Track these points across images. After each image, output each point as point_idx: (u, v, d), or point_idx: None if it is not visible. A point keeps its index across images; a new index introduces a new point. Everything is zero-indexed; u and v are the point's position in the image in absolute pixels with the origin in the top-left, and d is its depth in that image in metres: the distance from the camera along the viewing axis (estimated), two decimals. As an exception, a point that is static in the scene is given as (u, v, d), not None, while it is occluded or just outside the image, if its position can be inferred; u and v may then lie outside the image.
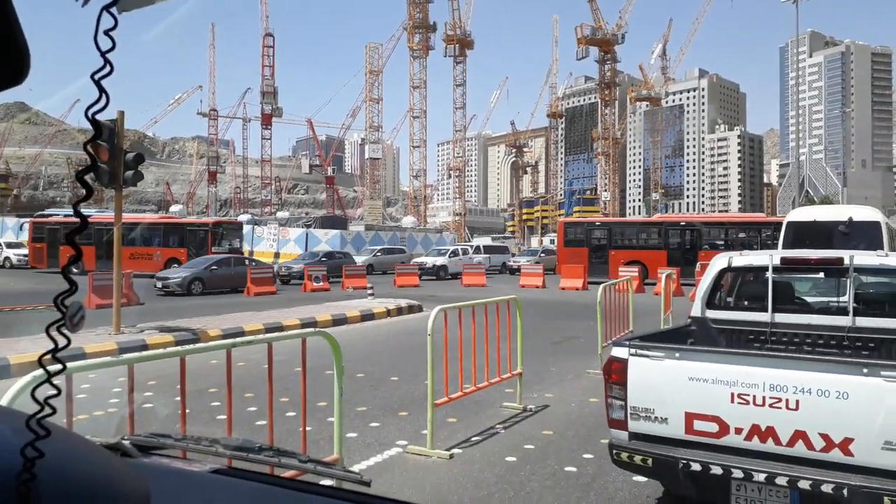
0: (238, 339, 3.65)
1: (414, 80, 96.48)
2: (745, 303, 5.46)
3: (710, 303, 5.31)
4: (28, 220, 44.30)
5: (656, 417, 3.66)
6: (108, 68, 0.66)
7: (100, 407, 5.84)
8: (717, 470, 3.39)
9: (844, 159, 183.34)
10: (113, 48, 0.67)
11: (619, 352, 3.83)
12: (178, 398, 3.52)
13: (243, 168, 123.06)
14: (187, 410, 3.63)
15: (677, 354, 3.70)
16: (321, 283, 23.80)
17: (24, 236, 43.96)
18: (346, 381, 4.27)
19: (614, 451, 3.80)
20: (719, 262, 5.30)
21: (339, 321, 13.58)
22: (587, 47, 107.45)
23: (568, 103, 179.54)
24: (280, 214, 72.48)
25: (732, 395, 3.45)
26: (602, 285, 9.67)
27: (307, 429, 4.38)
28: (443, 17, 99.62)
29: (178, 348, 3.73)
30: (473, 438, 5.76)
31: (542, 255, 39.06)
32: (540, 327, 12.87)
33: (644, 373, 3.71)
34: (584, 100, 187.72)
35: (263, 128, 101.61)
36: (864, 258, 4.88)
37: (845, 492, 3.08)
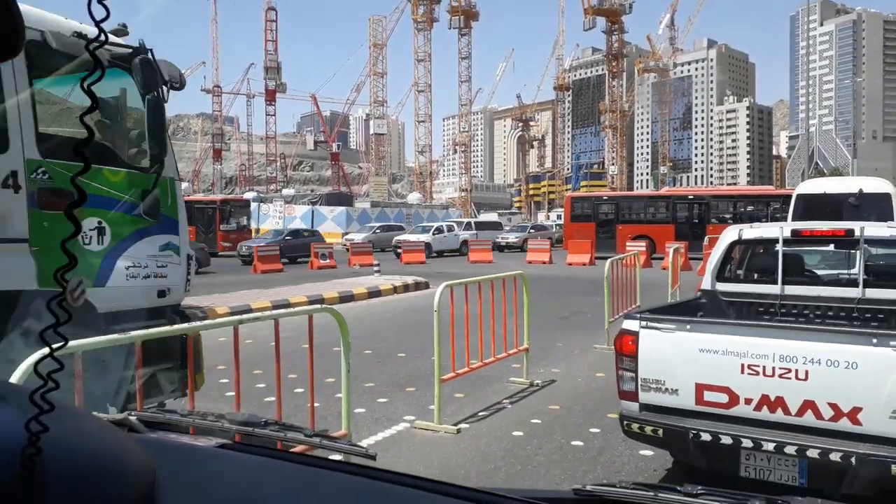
0: (245, 316, 3.67)
1: (418, 52, 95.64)
2: (755, 275, 5.47)
3: (720, 275, 5.33)
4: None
5: (667, 389, 3.69)
6: (102, 37, 0.67)
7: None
8: (726, 440, 3.44)
9: (855, 130, 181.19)
10: (108, 17, 0.67)
11: (631, 324, 3.86)
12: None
13: (248, 145, 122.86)
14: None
15: (688, 326, 3.73)
16: (328, 261, 23.86)
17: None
18: (354, 357, 4.29)
19: (625, 423, 3.85)
20: (729, 234, 5.32)
21: (346, 298, 13.63)
22: (594, 17, 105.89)
23: (575, 75, 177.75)
24: (285, 192, 72.51)
25: (742, 365, 3.48)
26: (609, 260, 9.65)
27: (315, 405, 4.41)
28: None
29: (186, 325, 3.75)
30: (480, 413, 5.80)
31: (532, 230, 38.03)
32: (547, 303, 12.88)
33: (655, 345, 3.75)
34: (592, 72, 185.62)
35: (267, 104, 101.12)
36: (874, 230, 4.88)
37: (853, 460, 3.13)
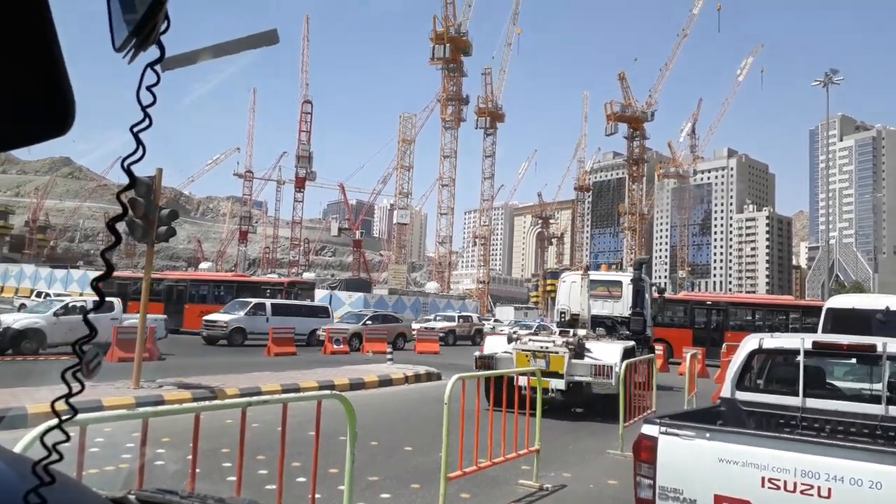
0: (253, 399, 3.64)
1: (445, 149, 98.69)
2: (776, 385, 5.37)
3: (740, 384, 5.25)
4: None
5: (685, 499, 3.58)
6: (147, 121, 0.70)
7: (111, 461, 5.80)
8: None
9: (875, 244, 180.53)
10: (154, 103, 0.70)
11: (650, 429, 3.79)
12: (190, 456, 3.49)
13: (274, 228, 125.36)
14: (198, 469, 3.59)
15: (708, 435, 3.64)
16: (341, 346, 23.75)
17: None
18: (360, 448, 4.20)
19: None
20: (750, 342, 5.30)
21: (357, 385, 13.47)
22: (616, 123, 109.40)
23: (596, 177, 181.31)
24: (306, 275, 73.17)
25: (763, 479, 3.37)
26: (625, 362, 9.50)
27: (317, 495, 4.28)
28: (476, 91, 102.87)
29: (194, 404, 3.73)
30: (487, 516, 5.58)
31: (461, 320, 35.91)
32: (559, 402, 12.61)
33: (674, 452, 3.65)
34: (612, 174, 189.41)
35: (297, 190, 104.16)
36: None
37: None
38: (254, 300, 27.09)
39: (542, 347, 11.51)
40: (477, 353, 12.36)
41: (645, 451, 3.75)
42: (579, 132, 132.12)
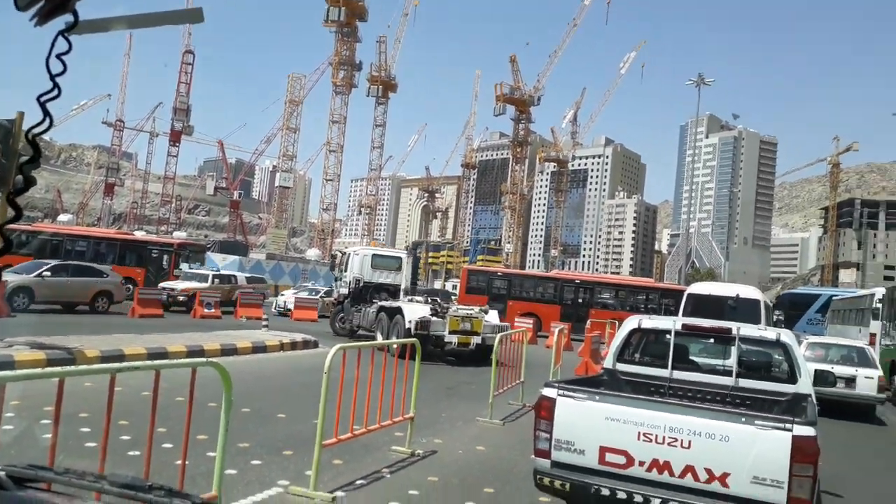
0: (124, 365, 3.48)
1: (334, 114, 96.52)
2: (649, 359, 6.27)
3: (620, 357, 6.13)
4: None
5: (575, 449, 4.23)
6: (56, 91, 0.66)
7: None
8: (622, 495, 3.98)
9: (729, 235, 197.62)
10: (64, 72, 0.66)
11: (549, 392, 4.42)
12: (46, 422, 3.29)
13: (144, 183, 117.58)
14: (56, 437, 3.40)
15: (597, 397, 4.32)
16: (212, 310, 22.90)
17: None
18: (231, 415, 4.13)
19: (538, 477, 4.34)
20: (631, 322, 6.19)
21: (229, 351, 13.07)
22: (504, 105, 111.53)
23: (482, 156, 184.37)
24: (177, 234, 69.36)
25: (639, 433, 4.06)
26: (499, 335, 9.94)
27: (186, 462, 4.18)
28: (369, 58, 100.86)
29: (58, 369, 3.50)
30: (358, 482, 5.68)
31: (217, 281, 26.32)
32: (434, 371, 12.93)
33: (568, 411, 4.29)
34: (498, 154, 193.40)
35: (171, 144, 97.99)
36: (747, 330, 5.84)
37: None
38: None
39: (468, 314, 15.64)
40: (414, 319, 15.06)
41: (544, 410, 4.36)
42: (469, 110, 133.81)
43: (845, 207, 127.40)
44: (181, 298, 24.21)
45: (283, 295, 30.74)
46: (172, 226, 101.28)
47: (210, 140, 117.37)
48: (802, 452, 3.72)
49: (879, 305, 19.37)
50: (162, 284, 25.03)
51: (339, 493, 5.19)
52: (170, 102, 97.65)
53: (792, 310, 33.54)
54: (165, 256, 29.60)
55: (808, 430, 3.78)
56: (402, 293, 18.65)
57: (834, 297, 29.86)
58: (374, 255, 19.42)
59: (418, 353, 6.98)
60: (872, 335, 19.35)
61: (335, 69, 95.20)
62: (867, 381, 12.34)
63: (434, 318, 15.38)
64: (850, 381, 12.34)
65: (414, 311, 15.82)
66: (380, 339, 16.20)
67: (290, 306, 26.96)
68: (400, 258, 19.99)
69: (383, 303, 17.37)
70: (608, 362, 6.20)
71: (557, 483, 4.23)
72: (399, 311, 16.14)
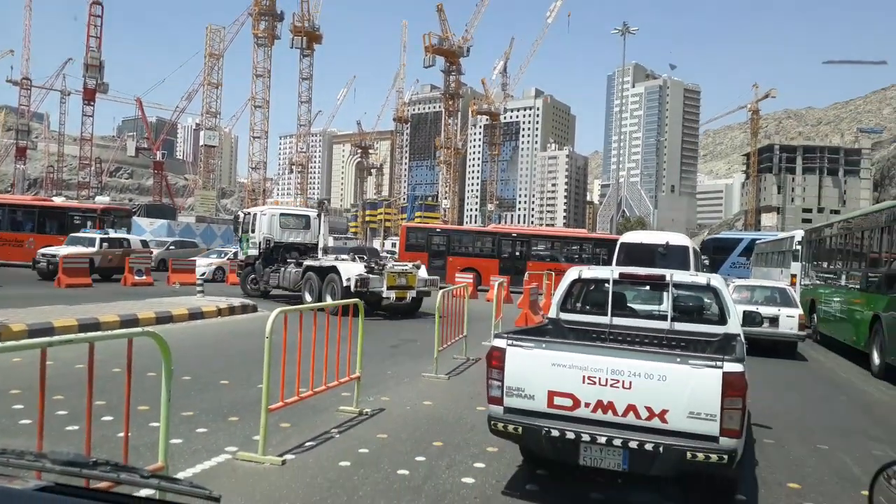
0: (55, 339, 3.31)
1: (257, 68, 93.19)
2: (590, 308, 6.56)
3: (563, 307, 6.39)
4: None
5: (525, 395, 4.46)
6: None
7: None
8: (570, 435, 4.24)
9: (657, 183, 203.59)
10: None
11: (500, 342, 4.63)
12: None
13: (59, 146, 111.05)
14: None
15: (544, 345, 4.51)
16: (144, 277, 22.14)
17: None
18: (173, 383, 4.03)
19: (492, 422, 4.53)
20: (572, 273, 6.42)
21: (164, 319, 12.71)
22: (434, 56, 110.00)
23: (414, 109, 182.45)
24: (99, 199, 66.25)
25: (584, 377, 4.29)
26: (440, 291, 10.01)
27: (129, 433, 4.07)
28: (291, 7, 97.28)
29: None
30: (307, 443, 5.68)
31: (106, 245, 23.53)
32: (377, 330, 12.96)
33: (517, 359, 4.51)
34: (430, 108, 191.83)
35: (85, 103, 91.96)
36: (679, 276, 6.16)
37: (661, 449, 4.06)
38: None
39: (403, 269, 16.50)
40: (353, 277, 15.40)
41: (496, 360, 4.57)
42: (398, 62, 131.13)
43: (765, 153, 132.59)
44: (50, 267, 21.46)
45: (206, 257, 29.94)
46: (94, 190, 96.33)
47: (128, 98, 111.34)
48: (732, 387, 3.99)
49: (798, 247, 20.50)
50: (41, 251, 22.86)
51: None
52: (81, 59, 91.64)
53: (716, 254, 35.14)
54: (89, 223, 28.16)
55: (736, 367, 4.05)
56: (320, 251, 18.42)
57: (756, 241, 31.40)
58: (281, 215, 19.43)
59: (361, 312, 6.95)
60: (793, 276, 20.52)
61: (256, 20, 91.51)
62: (789, 319, 13.08)
63: (372, 276, 15.72)
64: (774, 320, 13.06)
65: (349, 269, 15.91)
66: (308, 299, 16.21)
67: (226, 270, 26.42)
68: (308, 216, 19.98)
69: (311, 262, 17.24)
70: (552, 312, 6.45)
71: (510, 427, 4.44)
72: (333, 269, 16.16)
